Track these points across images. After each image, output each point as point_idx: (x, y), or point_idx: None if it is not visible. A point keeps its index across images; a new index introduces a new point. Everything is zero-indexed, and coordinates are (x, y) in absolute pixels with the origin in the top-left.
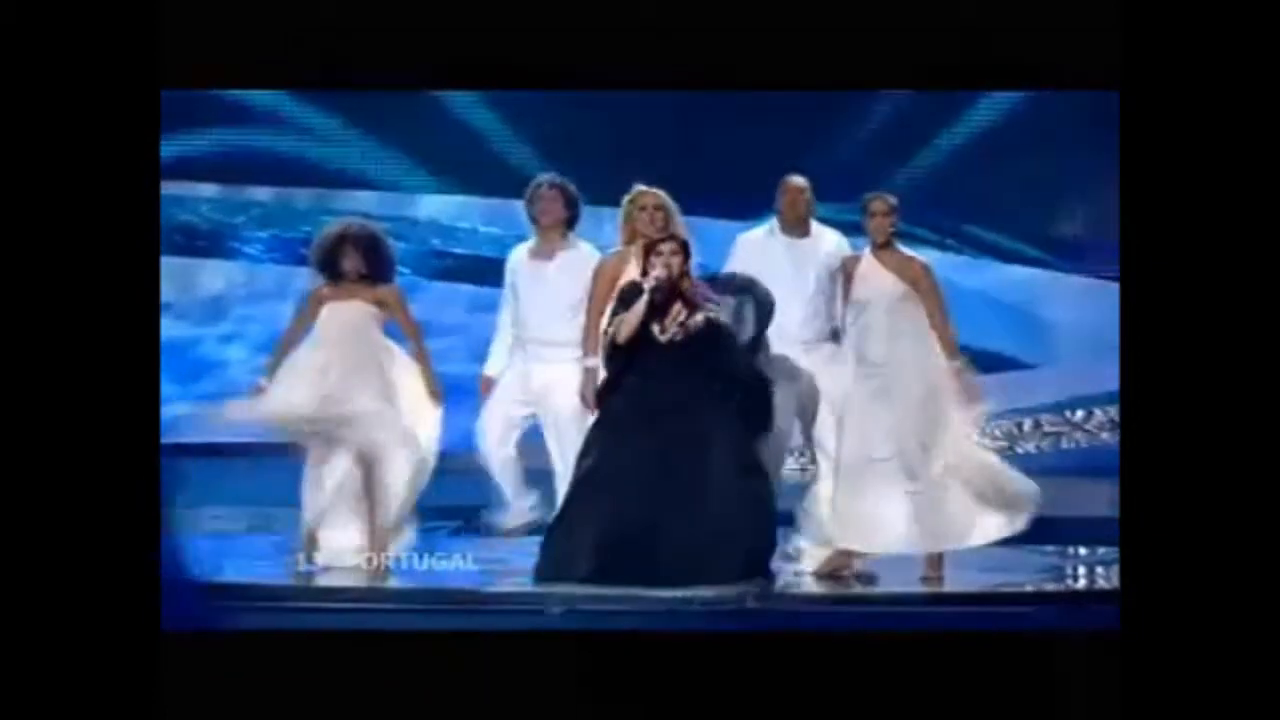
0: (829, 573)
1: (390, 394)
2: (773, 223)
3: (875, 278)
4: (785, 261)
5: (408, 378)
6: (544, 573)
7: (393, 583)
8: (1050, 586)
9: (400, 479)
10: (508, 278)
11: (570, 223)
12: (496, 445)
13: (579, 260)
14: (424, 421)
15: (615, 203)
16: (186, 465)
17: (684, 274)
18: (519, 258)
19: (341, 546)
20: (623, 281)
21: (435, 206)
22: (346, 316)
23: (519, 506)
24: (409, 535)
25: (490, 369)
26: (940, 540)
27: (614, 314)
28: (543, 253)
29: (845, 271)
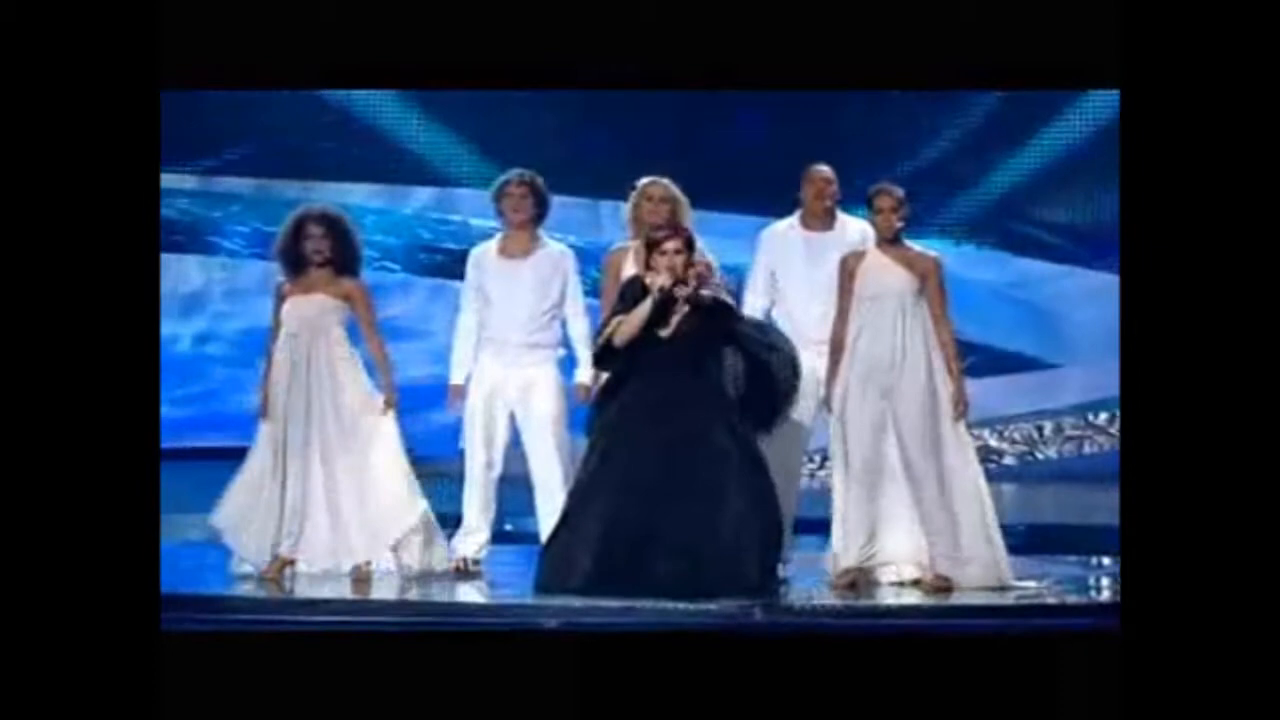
0: (846, 585)
1: (338, 401)
2: (795, 215)
3: (884, 274)
4: (802, 256)
5: (355, 384)
6: (546, 583)
7: (381, 593)
8: (1072, 598)
9: (366, 487)
10: (471, 276)
11: (539, 219)
12: (481, 456)
13: (553, 260)
14: (371, 429)
15: (619, 196)
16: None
17: (688, 265)
18: (486, 256)
19: (317, 558)
20: (623, 277)
21: (424, 199)
22: (308, 312)
23: (480, 531)
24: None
25: (458, 376)
26: (945, 557)
27: (614, 313)
28: (514, 252)
29: (846, 269)
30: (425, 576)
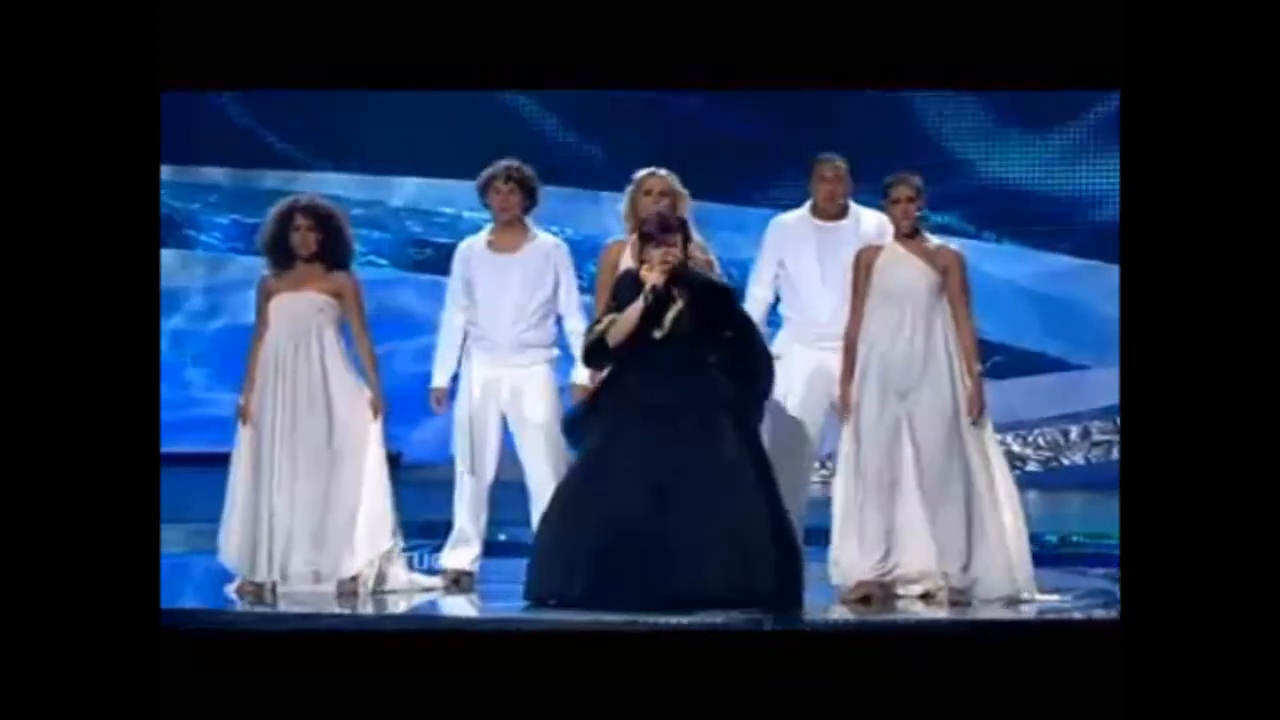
0: (858, 599)
1: (330, 407)
2: (806, 206)
3: (903, 269)
4: (814, 247)
5: (346, 389)
6: (540, 593)
7: (370, 607)
8: (1098, 613)
9: (353, 495)
10: (458, 270)
11: (528, 211)
12: (472, 462)
13: (544, 253)
14: (360, 435)
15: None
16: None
17: (685, 257)
18: (474, 250)
19: (302, 573)
20: (619, 271)
21: (414, 191)
22: (298, 309)
23: (472, 541)
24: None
25: (441, 378)
26: (962, 569)
27: (607, 310)
28: (503, 246)
29: (862, 263)
30: (381, 594)
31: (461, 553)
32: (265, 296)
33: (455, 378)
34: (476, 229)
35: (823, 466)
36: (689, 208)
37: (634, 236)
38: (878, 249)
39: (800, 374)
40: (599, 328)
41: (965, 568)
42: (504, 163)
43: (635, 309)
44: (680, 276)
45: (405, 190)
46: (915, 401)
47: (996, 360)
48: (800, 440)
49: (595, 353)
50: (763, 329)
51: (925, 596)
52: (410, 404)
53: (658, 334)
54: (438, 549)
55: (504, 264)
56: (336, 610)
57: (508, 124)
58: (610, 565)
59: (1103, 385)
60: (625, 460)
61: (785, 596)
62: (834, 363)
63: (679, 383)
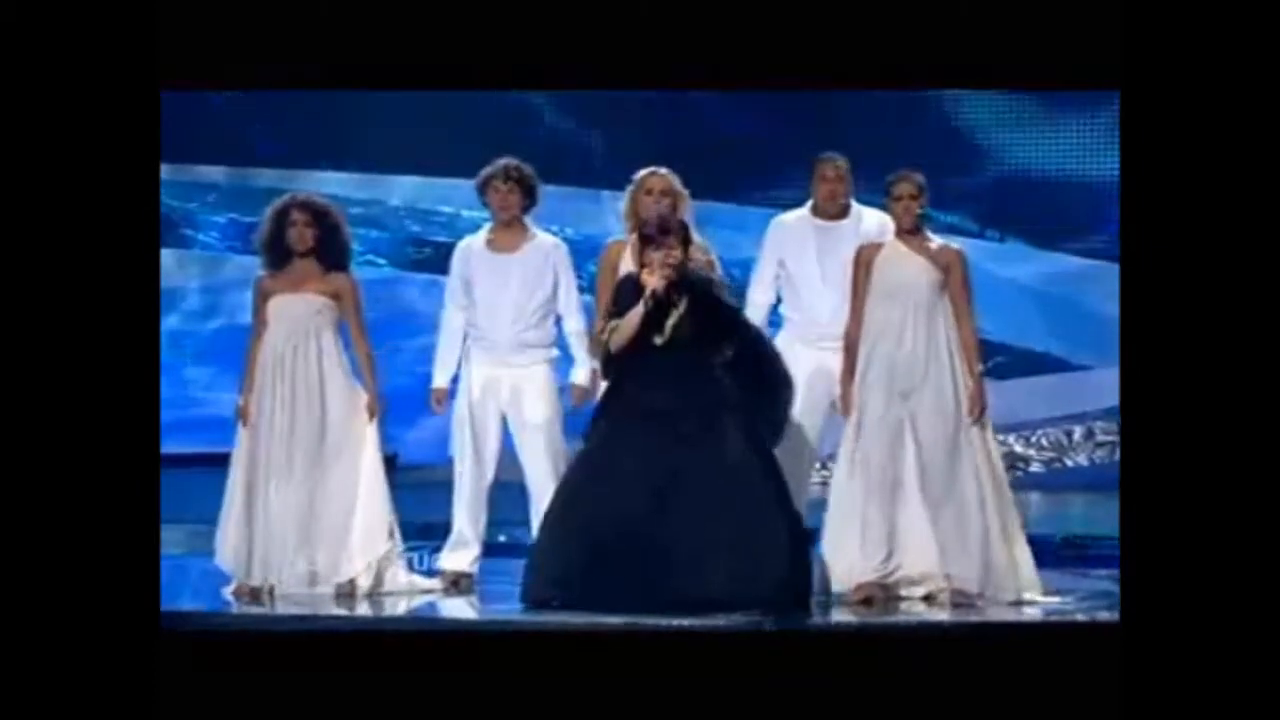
0: (860, 600)
1: (326, 410)
2: (807, 206)
3: (904, 268)
4: (815, 246)
5: (343, 392)
6: (539, 595)
7: (365, 609)
8: (1103, 615)
9: (346, 499)
10: (457, 269)
11: (528, 210)
12: (471, 463)
13: (544, 253)
14: (357, 437)
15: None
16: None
17: (684, 260)
18: (473, 249)
19: (297, 576)
20: (620, 273)
21: (413, 190)
22: (296, 311)
23: (471, 543)
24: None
25: (441, 378)
26: (966, 571)
27: (609, 315)
28: (503, 245)
29: (862, 261)
30: (379, 596)
31: (460, 554)
32: (262, 297)
33: (455, 378)
34: (475, 228)
35: (823, 467)
36: (689, 208)
37: (634, 237)
38: (878, 246)
39: (801, 374)
40: (603, 338)
41: (968, 569)
42: (503, 161)
43: (636, 314)
44: (680, 281)
45: (404, 189)
46: (918, 402)
47: (999, 360)
48: (801, 440)
49: (605, 363)
50: (763, 329)
51: (928, 598)
52: (409, 404)
53: (658, 340)
54: (437, 550)
55: (503, 264)
56: (335, 612)
57: (507, 123)
58: (610, 566)
59: (1106, 386)
60: (625, 463)
61: (792, 599)
62: (834, 363)
63: (680, 387)
